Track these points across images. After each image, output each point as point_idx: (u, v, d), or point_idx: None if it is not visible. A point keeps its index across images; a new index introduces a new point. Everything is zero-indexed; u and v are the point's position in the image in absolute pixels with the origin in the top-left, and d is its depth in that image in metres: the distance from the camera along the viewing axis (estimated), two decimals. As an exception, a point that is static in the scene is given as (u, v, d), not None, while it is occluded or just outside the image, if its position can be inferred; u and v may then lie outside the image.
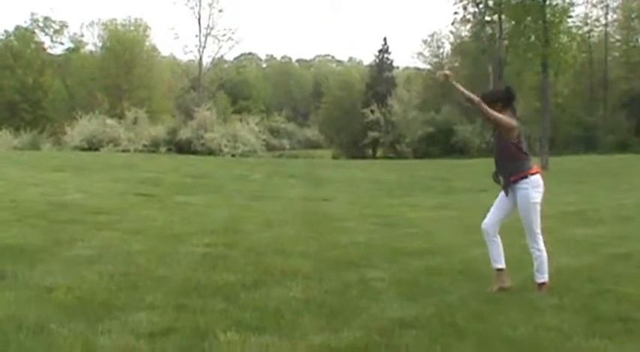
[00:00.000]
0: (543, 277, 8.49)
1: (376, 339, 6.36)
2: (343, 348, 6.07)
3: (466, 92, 8.35)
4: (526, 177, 8.40)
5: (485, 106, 8.32)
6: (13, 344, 5.87)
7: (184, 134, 65.50)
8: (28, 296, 7.58)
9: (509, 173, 8.49)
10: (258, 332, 6.45)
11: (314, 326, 6.76)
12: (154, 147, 63.51)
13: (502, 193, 8.70)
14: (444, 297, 8.09)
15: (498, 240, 8.63)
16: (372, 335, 6.46)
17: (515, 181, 8.42)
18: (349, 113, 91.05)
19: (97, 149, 59.82)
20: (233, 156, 60.91)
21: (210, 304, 7.48)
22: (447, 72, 8.67)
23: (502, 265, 8.54)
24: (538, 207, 8.47)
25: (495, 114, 8.37)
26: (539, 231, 8.54)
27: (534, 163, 8.67)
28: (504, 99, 8.57)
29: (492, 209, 8.77)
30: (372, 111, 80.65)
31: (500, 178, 8.66)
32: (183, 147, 63.48)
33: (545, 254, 8.51)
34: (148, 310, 7.15)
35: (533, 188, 8.42)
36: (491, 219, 8.70)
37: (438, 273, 9.41)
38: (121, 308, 7.19)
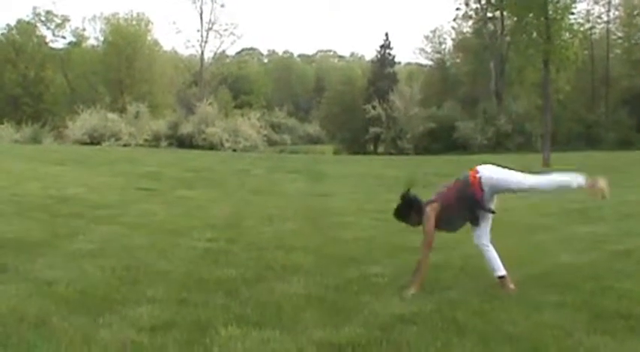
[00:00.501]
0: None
1: (377, 335, 6.36)
2: (344, 344, 6.07)
3: (422, 269, 8.37)
4: (479, 182, 8.38)
5: (422, 264, 8.34)
6: (14, 338, 5.88)
7: (186, 129, 65.60)
8: (29, 290, 7.59)
9: (476, 203, 8.44)
10: (259, 326, 6.46)
11: (315, 321, 6.76)
12: (155, 141, 63.62)
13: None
14: (445, 293, 8.09)
15: (491, 247, 8.56)
16: (373, 331, 6.47)
17: (481, 194, 8.38)
18: (351, 109, 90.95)
19: (98, 143, 59.82)
20: (234, 151, 60.92)
21: (211, 298, 7.49)
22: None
23: (503, 272, 8.46)
24: (504, 171, 8.57)
25: (426, 236, 8.48)
26: (536, 178, 8.61)
27: (462, 177, 8.66)
28: (411, 207, 8.68)
29: (473, 230, 8.70)
30: (374, 107, 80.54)
31: (479, 213, 8.57)
32: (184, 142, 63.56)
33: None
34: (148, 304, 7.16)
35: (487, 173, 8.45)
36: (478, 233, 8.62)
37: (438, 269, 9.39)
38: (122, 302, 7.20)
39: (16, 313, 6.58)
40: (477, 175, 8.40)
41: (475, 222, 8.52)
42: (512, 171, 8.53)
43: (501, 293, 8.17)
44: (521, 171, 8.63)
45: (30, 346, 5.72)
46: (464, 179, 8.50)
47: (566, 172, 8.47)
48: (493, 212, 8.52)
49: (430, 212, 8.41)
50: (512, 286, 8.32)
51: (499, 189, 8.43)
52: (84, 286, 7.87)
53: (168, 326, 6.42)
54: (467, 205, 8.39)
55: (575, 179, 8.38)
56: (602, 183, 8.24)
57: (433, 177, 31.38)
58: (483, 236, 8.54)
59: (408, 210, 8.68)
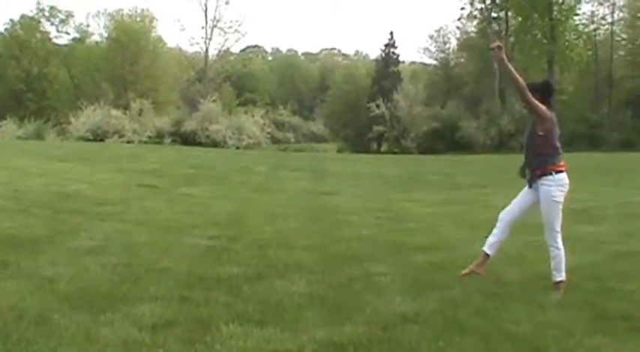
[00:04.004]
0: (561, 275, 8.38)
1: (379, 334, 6.36)
2: (346, 342, 6.06)
3: (514, 71, 8.26)
4: (550, 173, 8.30)
5: (525, 88, 8.24)
6: (14, 335, 5.87)
7: (189, 126, 65.58)
8: (30, 287, 7.58)
9: (535, 166, 8.42)
10: (260, 325, 6.45)
11: (317, 320, 6.76)
12: (158, 138, 63.61)
13: (526, 187, 8.64)
14: (447, 293, 8.09)
15: (507, 232, 8.60)
16: (375, 330, 6.46)
17: (540, 176, 8.35)
18: (354, 107, 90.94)
19: (101, 140, 59.84)
20: (238, 148, 60.93)
21: (213, 296, 7.48)
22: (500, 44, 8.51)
23: (492, 252, 8.51)
24: (560, 206, 8.39)
25: (534, 100, 8.30)
26: (559, 229, 8.45)
27: (562, 160, 8.56)
28: (543, 92, 8.47)
29: (514, 201, 8.72)
30: (378, 106, 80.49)
31: (527, 171, 8.59)
32: (187, 139, 63.52)
33: (563, 252, 8.41)
34: (150, 302, 7.16)
35: (557, 186, 8.33)
36: (510, 210, 8.65)
37: (441, 269, 9.40)
38: (124, 300, 7.19)
39: (17, 310, 6.57)
40: (563, 170, 8.51)
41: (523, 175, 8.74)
42: (560, 215, 8.55)
43: (503, 291, 8.17)
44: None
45: (30, 343, 5.71)
46: (559, 157, 8.54)
47: (563, 262, 8.43)
48: (525, 178, 8.67)
49: (547, 113, 8.38)
50: (483, 272, 8.60)
51: (543, 203, 8.45)
52: (85, 283, 7.87)
53: (169, 323, 6.42)
54: (538, 158, 8.49)
55: (562, 271, 8.43)
56: (557, 296, 8.24)
57: (436, 176, 31.41)
58: (511, 214, 8.77)
59: (541, 90, 8.54)
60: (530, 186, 8.55)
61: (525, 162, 8.64)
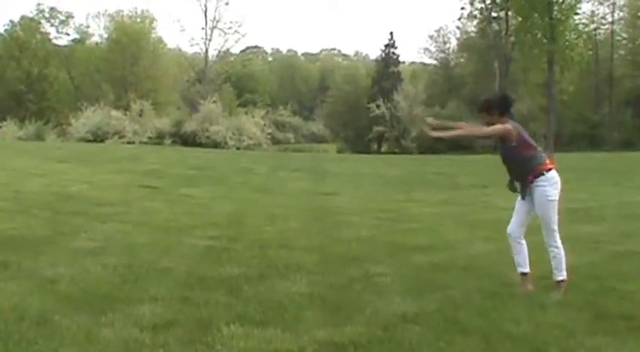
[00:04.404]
0: (562, 274, 8.34)
1: (379, 334, 6.36)
2: (346, 343, 6.06)
3: (453, 134, 8.31)
4: (542, 174, 8.27)
5: (473, 131, 8.30)
6: (15, 335, 5.87)
7: (189, 127, 65.61)
8: (31, 287, 7.59)
9: (524, 175, 8.33)
10: (261, 325, 6.45)
11: (317, 320, 6.76)
12: (158, 139, 63.62)
13: (519, 198, 8.54)
14: (448, 293, 8.09)
15: (524, 243, 8.47)
16: (375, 330, 6.46)
17: (533, 180, 8.30)
18: (355, 107, 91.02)
19: (101, 141, 59.88)
20: (238, 149, 60.96)
21: (213, 297, 7.48)
22: (429, 122, 8.51)
23: (527, 269, 8.43)
24: (556, 204, 8.34)
25: (486, 130, 8.35)
26: (556, 228, 8.40)
27: (547, 157, 8.54)
28: (501, 107, 8.40)
29: (513, 214, 8.65)
30: (378, 106, 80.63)
31: (517, 184, 8.54)
32: (188, 140, 63.54)
33: (562, 251, 8.36)
34: (151, 302, 7.16)
35: (550, 185, 8.27)
36: (514, 224, 8.57)
37: (441, 269, 9.41)
38: (125, 301, 7.20)
39: (18, 311, 6.57)
40: (553, 168, 8.41)
41: (513, 188, 8.61)
42: (556, 214, 8.49)
43: (503, 292, 8.17)
44: None
45: (31, 344, 5.72)
46: (542, 155, 8.48)
47: (564, 261, 8.41)
48: (524, 197, 8.51)
49: (510, 128, 8.29)
50: (530, 287, 8.34)
51: (538, 204, 8.39)
52: (86, 284, 7.87)
53: (170, 324, 6.42)
54: (524, 165, 8.38)
55: (563, 271, 8.40)
56: (558, 296, 8.23)
57: (436, 176, 31.42)
58: (519, 228, 8.58)
59: (499, 105, 8.45)
60: (523, 198, 8.51)
61: (512, 178, 8.58)
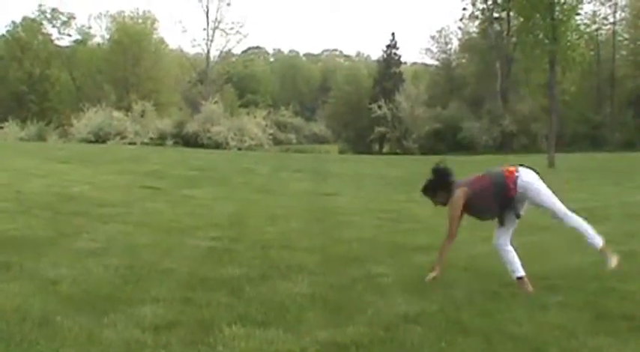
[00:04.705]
0: (598, 241, 8.47)
1: (381, 335, 6.37)
2: (348, 343, 6.07)
3: (442, 258, 8.51)
4: (517, 178, 8.30)
5: (447, 241, 8.52)
6: (17, 336, 5.88)
7: (191, 127, 65.70)
8: (33, 288, 7.59)
9: (508, 196, 8.34)
10: (263, 326, 6.46)
11: (319, 320, 6.77)
12: (160, 140, 63.68)
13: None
14: (449, 293, 8.09)
15: (511, 249, 8.46)
16: (377, 331, 6.47)
17: (515, 188, 8.28)
18: (356, 108, 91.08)
19: (103, 141, 59.93)
20: (239, 149, 60.99)
21: (215, 298, 7.49)
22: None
23: (521, 273, 8.40)
24: (546, 189, 8.40)
25: (450, 223, 8.52)
26: (565, 209, 8.47)
27: (501, 169, 8.61)
28: (442, 184, 8.55)
29: (495, 229, 8.68)
30: (380, 107, 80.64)
31: (515, 207, 8.48)
32: (189, 141, 63.60)
33: (582, 220, 8.54)
34: (153, 303, 7.17)
35: (529, 177, 8.35)
36: (498, 235, 8.57)
37: (442, 269, 9.40)
38: (126, 301, 7.20)
39: (20, 311, 6.57)
40: (516, 174, 8.36)
41: (501, 220, 8.51)
42: (547, 188, 8.48)
43: (505, 292, 8.18)
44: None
45: (33, 344, 5.72)
46: (497, 173, 8.47)
47: (590, 225, 8.50)
48: (519, 216, 8.47)
49: (460, 195, 8.37)
50: (530, 288, 8.32)
51: (530, 197, 8.35)
52: (88, 285, 7.88)
53: (172, 325, 6.43)
54: (499, 200, 8.34)
55: (595, 238, 8.42)
56: (614, 261, 8.28)
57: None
58: (502, 236, 8.53)
59: (438, 185, 8.59)
60: (518, 217, 8.53)
61: (505, 210, 8.50)
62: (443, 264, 8.43)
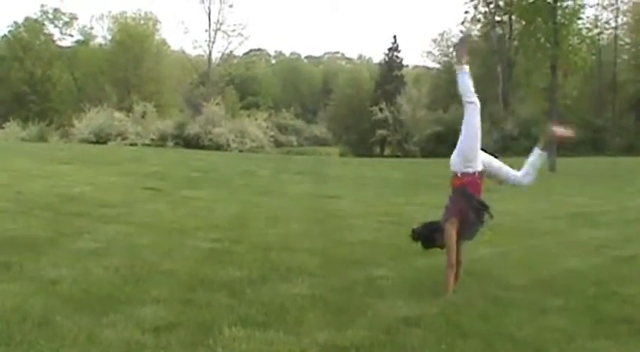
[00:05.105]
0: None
1: (381, 337, 6.37)
2: (348, 346, 6.07)
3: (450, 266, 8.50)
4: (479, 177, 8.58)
5: (448, 277, 8.45)
6: (17, 336, 5.87)
7: (192, 129, 65.65)
8: (33, 288, 7.58)
9: (478, 206, 8.52)
10: (263, 327, 6.46)
11: (319, 323, 6.77)
12: (161, 141, 63.66)
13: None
14: (449, 296, 8.09)
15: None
16: (377, 334, 6.47)
17: (479, 191, 8.54)
18: (358, 111, 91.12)
19: (104, 142, 59.86)
20: (241, 151, 60.95)
21: (215, 299, 7.49)
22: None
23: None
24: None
25: (449, 258, 8.51)
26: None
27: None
28: (428, 238, 8.83)
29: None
30: (381, 110, 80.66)
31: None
32: (190, 142, 63.56)
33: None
34: (153, 304, 7.16)
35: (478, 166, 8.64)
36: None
37: (443, 272, 9.39)
38: (127, 302, 7.20)
39: (20, 312, 6.57)
40: (476, 174, 8.54)
41: (481, 224, 8.53)
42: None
43: (505, 296, 8.18)
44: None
45: (33, 345, 5.72)
46: (458, 189, 8.53)
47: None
48: (491, 215, 8.50)
49: (450, 229, 8.45)
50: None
51: (491, 172, 8.58)
52: (88, 285, 7.87)
53: (172, 326, 6.42)
54: (474, 209, 8.37)
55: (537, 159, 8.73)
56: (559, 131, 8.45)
57: (439, 179, 31.41)
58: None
59: (428, 241, 8.75)
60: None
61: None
62: (451, 284, 8.40)
